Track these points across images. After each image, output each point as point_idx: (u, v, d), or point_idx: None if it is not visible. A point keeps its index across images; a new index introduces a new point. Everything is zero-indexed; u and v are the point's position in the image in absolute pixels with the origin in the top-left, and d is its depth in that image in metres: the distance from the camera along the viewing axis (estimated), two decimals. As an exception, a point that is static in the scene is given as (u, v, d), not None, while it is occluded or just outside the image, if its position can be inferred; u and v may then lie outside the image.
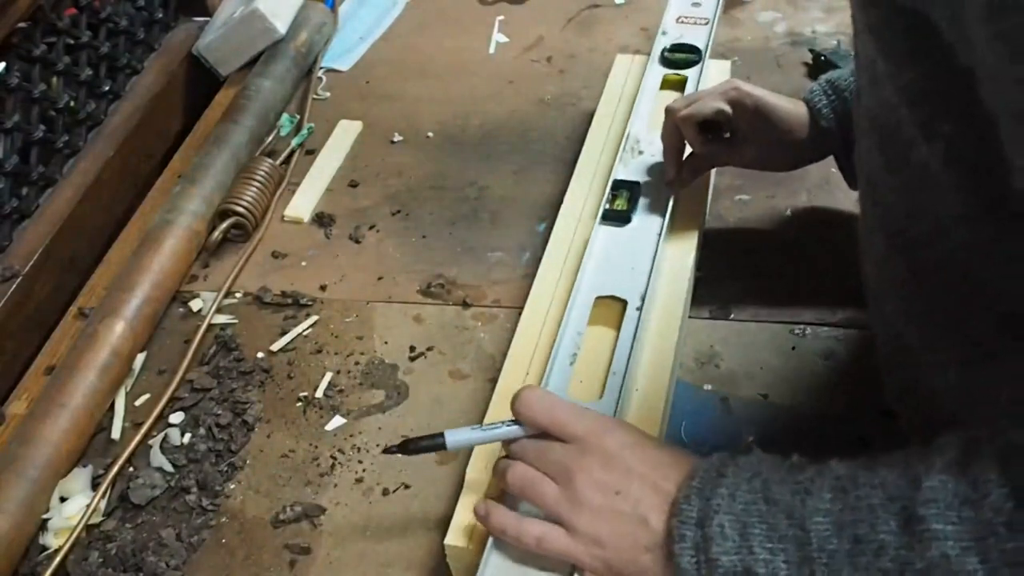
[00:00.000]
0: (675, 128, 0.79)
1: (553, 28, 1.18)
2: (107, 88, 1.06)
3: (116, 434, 0.78)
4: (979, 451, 0.44)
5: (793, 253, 0.86)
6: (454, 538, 0.61)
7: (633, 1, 1.21)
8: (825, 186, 0.91)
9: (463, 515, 0.62)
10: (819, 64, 1.04)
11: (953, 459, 0.45)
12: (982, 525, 0.42)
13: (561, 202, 0.85)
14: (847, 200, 0.89)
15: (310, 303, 0.87)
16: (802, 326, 0.79)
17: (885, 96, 0.49)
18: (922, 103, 0.46)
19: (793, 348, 0.78)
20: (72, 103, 1.00)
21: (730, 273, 0.84)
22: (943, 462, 0.45)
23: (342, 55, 1.18)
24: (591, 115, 0.95)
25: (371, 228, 0.95)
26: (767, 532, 0.47)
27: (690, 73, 0.92)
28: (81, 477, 0.75)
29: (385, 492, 0.72)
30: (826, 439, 0.70)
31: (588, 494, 0.53)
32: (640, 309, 0.71)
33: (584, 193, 0.85)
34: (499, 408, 0.69)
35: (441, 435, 0.59)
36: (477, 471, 0.64)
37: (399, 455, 0.60)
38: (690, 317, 0.80)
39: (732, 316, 0.81)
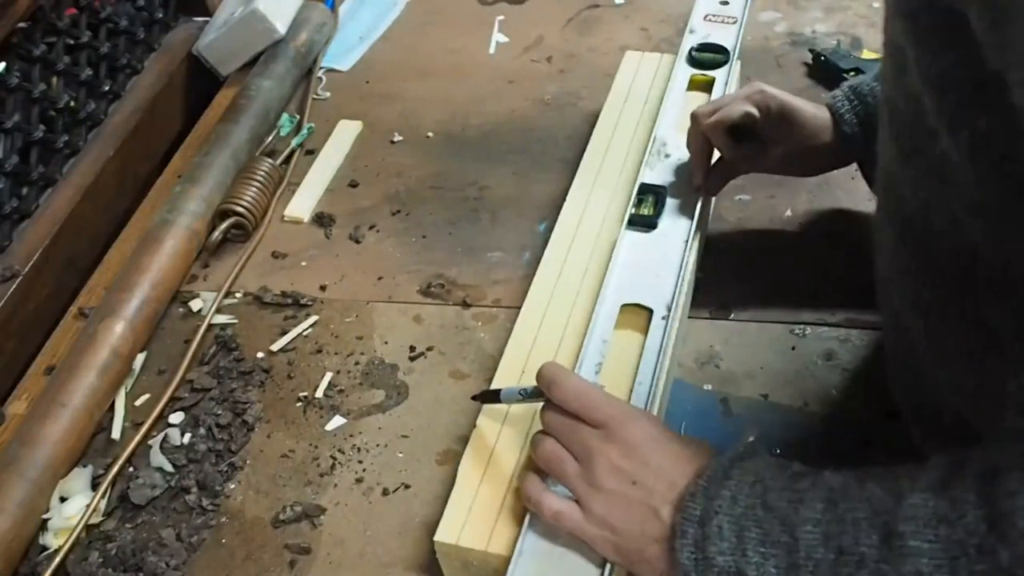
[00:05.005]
0: (703, 135, 0.78)
1: (553, 28, 1.18)
2: (107, 88, 1.06)
3: (116, 434, 0.78)
4: (963, 471, 0.45)
5: (793, 253, 0.85)
6: (443, 535, 0.61)
7: (633, 1, 1.21)
8: (825, 187, 0.91)
9: (453, 512, 0.62)
10: (819, 64, 1.04)
11: (937, 478, 0.46)
12: (955, 545, 0.43)
13: (562, 202, 0.85)
14: (847, 200, 0.89)
15: (310, 303, 0.87)
16: (802, 326, 0.79)
17: (908, 84, 0.49)
18: (950, 91, 0.46)
19: (793, 348, 0.78)
20: (72, 103, 1.00)
21: (730, 273, 0.84)
22: (928, 480, 0.46)
23: (342, 55, 1.18)
24: (591, 115, 0.95)
25: (371, 228, 0.95)
26: (761, 536, 0.49)
27: (718, 74, 0.90)
28: (81, 477, 0.75)
29: (385, 492, 0.72)
30: (826, 439, 0.70)
31: (605, 479, 0.55)
32: (666, 318, 0.70)
33: (587, 193, 0.84)
34: (490, 416, 0.68)
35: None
36: (468, 470, 0.64)
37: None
38: (690, 317, 0.80)
39: (732, 316, 0.81)
